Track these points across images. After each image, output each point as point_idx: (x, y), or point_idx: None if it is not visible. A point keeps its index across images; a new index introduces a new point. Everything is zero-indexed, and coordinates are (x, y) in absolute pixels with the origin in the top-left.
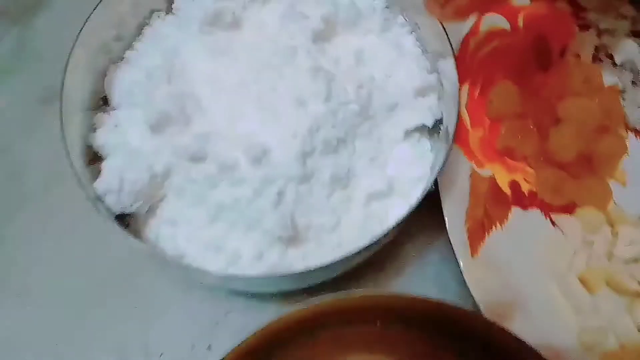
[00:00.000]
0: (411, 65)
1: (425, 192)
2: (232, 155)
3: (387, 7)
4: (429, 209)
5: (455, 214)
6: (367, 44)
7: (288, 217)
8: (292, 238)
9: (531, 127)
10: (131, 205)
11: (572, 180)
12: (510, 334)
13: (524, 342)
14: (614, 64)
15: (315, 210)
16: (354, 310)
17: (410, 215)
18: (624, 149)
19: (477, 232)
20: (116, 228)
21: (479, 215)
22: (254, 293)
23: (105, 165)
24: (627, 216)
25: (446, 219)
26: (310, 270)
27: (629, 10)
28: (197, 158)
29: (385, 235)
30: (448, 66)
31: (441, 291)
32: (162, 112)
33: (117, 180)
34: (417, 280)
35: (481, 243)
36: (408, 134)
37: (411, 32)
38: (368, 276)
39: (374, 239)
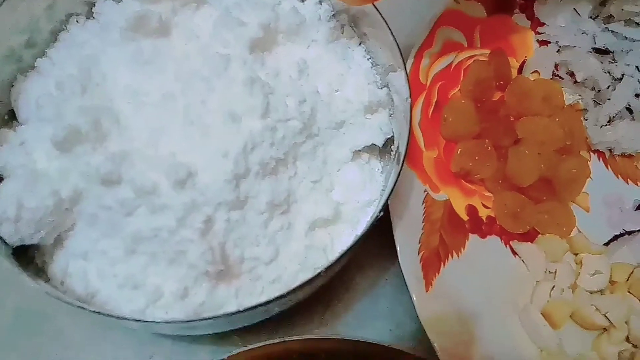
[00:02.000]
0: (360, 79)
1: (374, 219)
2: (152, 177)
3: (333, 15)
4: (379, 236)
5: (407, 242)
6: (312, 55)
7: (217, 248)
8: (223, 273)
9: (489, 148)
10: (32, 236)
11: (532, 205)
12: None
13: None
14: (575, 82)
15: (249, 241)
16: (291, 355)
17: (357, 244)
18: (587, 172)
19: (432, 263)
20: (11, 264)
21: (433, 244)
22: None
23: (1, 190)
24: (591, 244)
25: (398, 248)
26: (242, 311)
27: (590, 25)
28: (110, 181)
29: (329, 268)
30: (399, 80)
31: (395, 329)
32: (72, 128)
33: (13, 207)
34: (368, 317)
35: (436, 275)
36: (356, 154)
37: (359, 43)
38: (313, 313)
39: (317, 273)
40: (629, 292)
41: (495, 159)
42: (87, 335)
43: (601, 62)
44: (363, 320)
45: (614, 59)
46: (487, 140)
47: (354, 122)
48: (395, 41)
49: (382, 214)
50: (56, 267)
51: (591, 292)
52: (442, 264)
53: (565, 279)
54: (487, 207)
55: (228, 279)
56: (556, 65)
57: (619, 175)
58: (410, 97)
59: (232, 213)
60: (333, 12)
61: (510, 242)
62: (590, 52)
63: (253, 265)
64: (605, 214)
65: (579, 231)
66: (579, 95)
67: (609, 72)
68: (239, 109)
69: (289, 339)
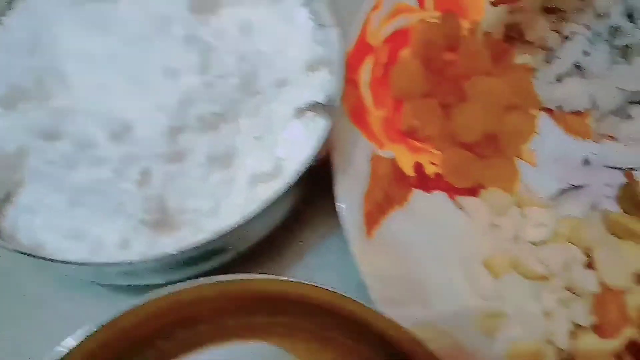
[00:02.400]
0: (302, 39)
1: (305, 169)
2: (90, 131)
3: None
4: (330, 194)
5: (351, 197)
6: (256, 16)
7: (155, 198)
8: (163, 223)
9: (436, 106)
10: None
11: (478, 161)
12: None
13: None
14: (526, 42)
15: (190, 193)
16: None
17: (288, 194)
18: (533, 128)
19: (374, 215)
20: None
21: (377, 198)
22: (134, 286)
23: None
24: (537, 198)
25: (339, 202)
26: (175, 255)
27: None
28: (52, 136)
29: (259, 216)
30: (334, 36)
31: (341, 279)
32: (15, 86)
33: None
34: (317, 268)
35: (377, 225)
36: (300, 112)
37: (304, 4)
38: (262, 267)
39: (242, 220)
40: (570, 242)
41: (441, 117)
42: (45, 292)
43: (553, 22)
44: (312, 271)
45: (563, 18)
46: (433, 99)
47: (297, 81)
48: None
49: (314, 164)
50: (6, 222)
51: (534, 244)
52: (384, 215)
53: (509, 231)
54: (434, 164)
55: (168, 230)
56: (507, 26)
57: (569, 132)
58: (344, 52)
59: (171, 165)
60: None
61: (456, 197)
62: (541, 12)
63: (194, 217)
64: (553, 169)
65: (525, 185)
66: (530, 55)
67: (558, 32)
68: (177, 66)
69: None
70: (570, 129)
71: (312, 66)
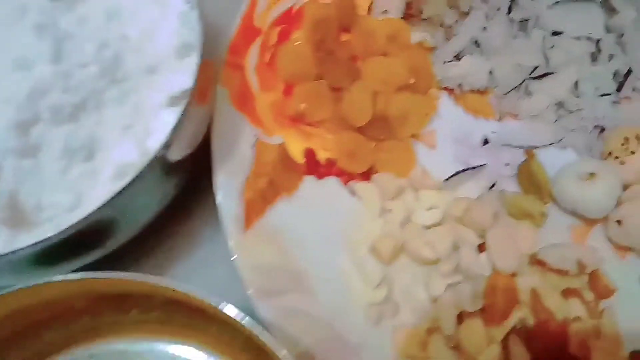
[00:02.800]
0: (174, 24)
1: (153, 162)
2: None
3: None
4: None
5: (230, 185)
6: (126, 1)
7: (6, 195)
8: (21, 221)
9: (326, 90)
10: None
11: (371, 145)
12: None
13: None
14: (424, 20)
15: (47, 188)
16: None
17: (145, 186)
18: (431, 109)
19: (257, 204)
20: None
21: (261, 186)
22: None
23: None
24: (430, 180)
25: (217, 190)
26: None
27: None
28: None
29: (116, 209)
30: (195, 19)
31: (227, 272)
32: None
33: None
34: (200, 263)
35: (260, 215)
36: (173, 99)
37: None
38: (142, 265)
39: (89, 212)
40: (463, 225)
41: (330, 100)
42: None
43: None
44: (197, 267)
45: None
46: (323, 82)
47: (167, 67)
48: None
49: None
50: None
51: (425, 227)
52: (268, 205)
53: (400, 215)
54: (327, 149)
55: (28, 227)
56: (408, 4)
57: (469, 111)
58: (202, 33)
59: (23, 161)
60: None
61: (349, 182)
62: None
63: (54, 213)
64: (453, 150)
65: (422, 168)
66: (429, 33)
67: (455, 7)
68: (27, 56)
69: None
70: (470, 108)
71: (181, 52)
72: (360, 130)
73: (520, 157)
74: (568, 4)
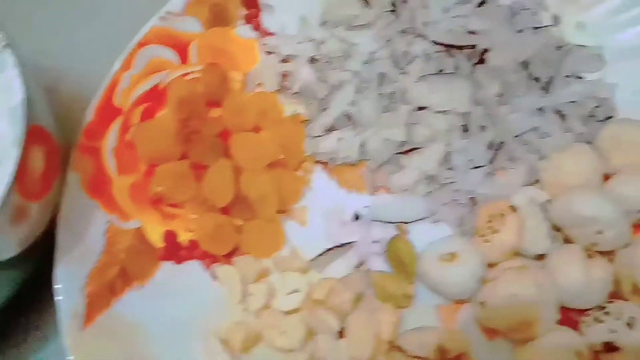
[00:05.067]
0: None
1: None
2: None
3: None
4: None
5: (71, 277)
6: None
7: None
8: None
9: (187, 169)
10: None
11: (235, 225)
12: None
13: None
14: (297, 93)
15: None
16: None
17: None
18: (302, 184)
19: (102, 297)
20: None
21: (109, 277)
22: None
23: None
24: (295, 261)
25: (56, 284)
26: None
27: (320, 33)
28: None
29: None
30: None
31: None
32: None
33: None
34: None
35: (104, 309)
36: None
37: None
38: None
39: None
40: (326, 309)
41: (193, 180)
42: None
43: (320, 71)
44: None
45: (333, 67)
46: (185, 162)
47: None
48: None
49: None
50: None
51: (287, 312)
52: (115, 297)
53: (258, 300)
54: (190, 231)
55: None
56: (283, 76)
57: (343, 185)
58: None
59: None
60: None
61: (212, 266)
62: (309, 61)
63: None
64: (324, 227)
65: (292, 247)
66: (302, 105)
67: (325, 81)
68: None
69: None
70: (344, 182)
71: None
72: (224, 210)
73: (392, 233)
74: (435, 78)
